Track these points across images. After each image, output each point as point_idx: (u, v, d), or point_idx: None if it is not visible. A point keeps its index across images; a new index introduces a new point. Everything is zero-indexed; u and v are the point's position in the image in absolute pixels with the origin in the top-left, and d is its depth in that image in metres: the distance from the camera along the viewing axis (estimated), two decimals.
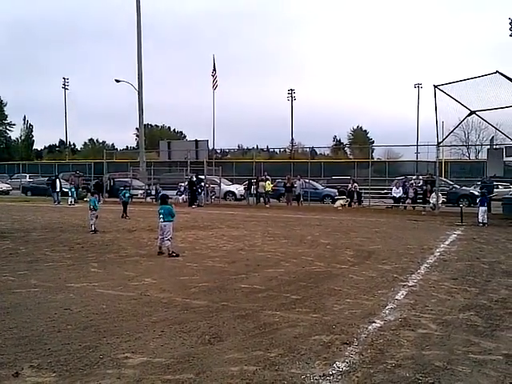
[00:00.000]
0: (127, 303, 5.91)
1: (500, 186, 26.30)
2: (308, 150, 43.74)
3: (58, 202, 26.25)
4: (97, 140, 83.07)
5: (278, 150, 60.89)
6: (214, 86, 48.74)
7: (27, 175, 41.95)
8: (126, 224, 15.83)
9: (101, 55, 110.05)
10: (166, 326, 4.98)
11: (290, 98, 65.01)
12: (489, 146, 21.77)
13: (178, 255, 9.38)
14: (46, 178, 31.02)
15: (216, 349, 4.35)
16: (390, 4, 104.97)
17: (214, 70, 47.94)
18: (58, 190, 26.97)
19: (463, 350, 4.38)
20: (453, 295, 6.47)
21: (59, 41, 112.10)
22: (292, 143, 64.75)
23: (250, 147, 56.07)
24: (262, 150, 61.65)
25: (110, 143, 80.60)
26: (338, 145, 70.73)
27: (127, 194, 18.71)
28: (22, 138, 71.79)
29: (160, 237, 9.59)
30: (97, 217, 13.44)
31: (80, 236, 12.52)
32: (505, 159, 20.51)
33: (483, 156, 34.02)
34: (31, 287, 6.72)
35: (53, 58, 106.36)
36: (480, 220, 16.48)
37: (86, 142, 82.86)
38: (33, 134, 72.70)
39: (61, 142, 77.84)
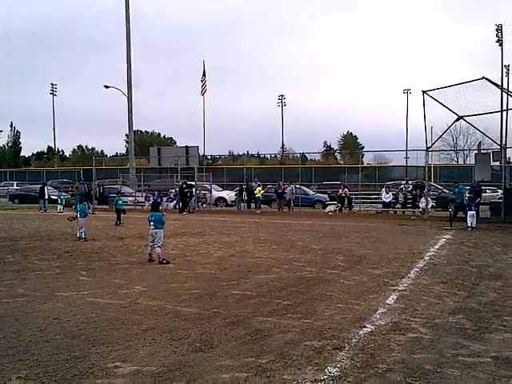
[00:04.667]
0: (117, 311, 5.85)
1: (488, 191, 26.55)
2: (299, 155, 43.77)
3: (45, 210, 25.99)
4: (86, 146, 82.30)
5: (268, 156, 61.04)
6: (203, 91, 48.97)
7: (14, 183, 41.47)
8: (115, 231, 15.71)
9: (90, 62, 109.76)
10: (156, 334, 4.95)
11: (280, 104, 65.35)
12: (476, 151, 22.03)
13: (168, 262, 9.33)
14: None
15: (207, 356, 4.33)
16: (379, 11, 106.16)
17: (204, 75, 48.21)
18: (46, 197, 26.75)
19: (453, 352, 4.40)
20: (442, 299, 6.51)
21: (47, 47, 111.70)
22: (283, 149, 65.00)
23: (241, 153, 56.19)
24: (253, 155, 61.52)
25: (100, 150, 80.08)
26: (328, 150, 71.09)
27: (120, 202, 18.56)
28: (9, 144, 71.06)
29: (150, 244, 9.55)
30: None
31: (69, 244, 12.40)
32: (492, 164, 20.78)
33: (471, 161, 34.39)
34: (19, 296, 6.63)
35: (41, 65, 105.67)
36: (469, 224, 16.63)
37: (74, 149, 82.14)
38: (20, 140, 72.03)
39: (49, 148, 77.25)
